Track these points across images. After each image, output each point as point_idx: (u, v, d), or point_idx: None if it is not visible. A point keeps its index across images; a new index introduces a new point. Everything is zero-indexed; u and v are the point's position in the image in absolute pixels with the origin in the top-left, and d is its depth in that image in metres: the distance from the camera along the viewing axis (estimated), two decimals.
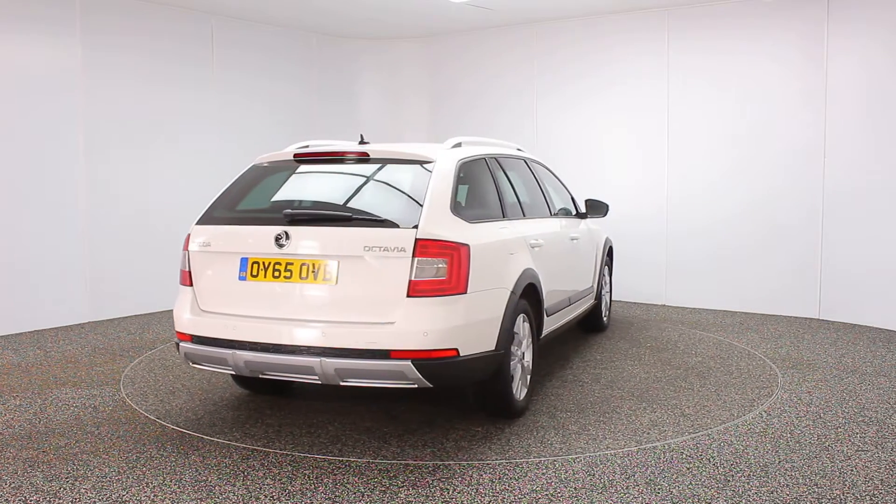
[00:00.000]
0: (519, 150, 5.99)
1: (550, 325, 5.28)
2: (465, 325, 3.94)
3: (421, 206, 4.01)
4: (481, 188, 4.86)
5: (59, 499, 3.48)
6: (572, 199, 6.53)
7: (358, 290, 3.92)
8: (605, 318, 7.18)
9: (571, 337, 6.86)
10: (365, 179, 4.39)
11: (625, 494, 3.52)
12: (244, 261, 4.13)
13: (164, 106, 8.14)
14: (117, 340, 6.76)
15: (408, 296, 3.84)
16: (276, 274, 4.04)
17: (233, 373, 4.27)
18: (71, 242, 7.44)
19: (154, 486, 3.60)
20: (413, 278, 3.84)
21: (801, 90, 7.63)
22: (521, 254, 4.68)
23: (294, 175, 4.59)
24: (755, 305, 8.07)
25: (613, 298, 8.50)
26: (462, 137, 4.95)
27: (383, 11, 8.60)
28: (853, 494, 3.51)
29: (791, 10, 7.64)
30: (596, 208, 6.51)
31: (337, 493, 3.54)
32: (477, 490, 3.57)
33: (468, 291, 3.96)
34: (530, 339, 4.74)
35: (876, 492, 3.53)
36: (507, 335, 4.26)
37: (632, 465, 3.87)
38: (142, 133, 7.96)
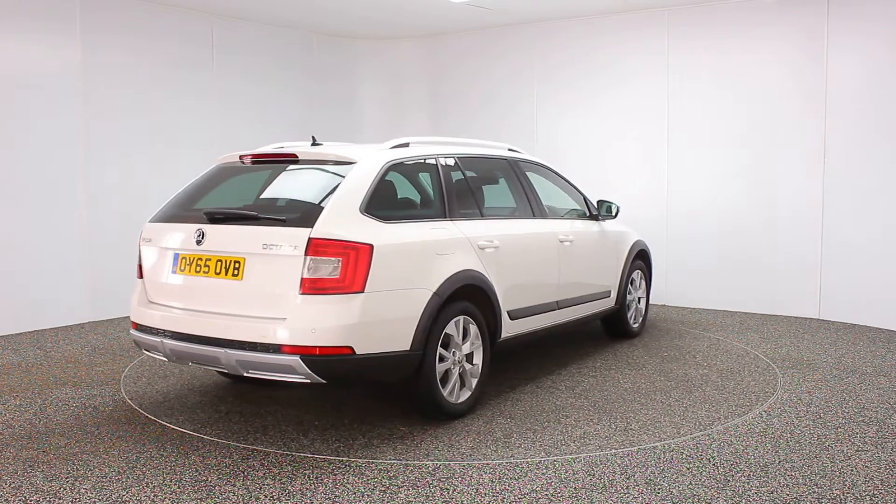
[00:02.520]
0: (511, 150, 5.91)
1: (519, 328, 5.17)
2: (362, 323, 3.98)
3: (326, 205, 4.14)
4: (417, 188, 4.98)
5: (59, 499, 3.48)
6: (586, 200, 6.36)
7: (259, 287, 4.09)
8: (634, 325, 6.85)
9: (588, 342, 6.72)
10: (292, 180, 4.63)
11: (625, 494, 3.52)
12: (176, 256, 4.43)
13: (163, 105, 8.14)
14: (117, 340, 6.76)
15: (300, 293, 3.95)
16: (197, 269, 4.30)
17: (164, 359, 4.50)
18: (71, 242, 7.43)
19: (154, 486, 3.61)
20: (304, 276, 3.94)
21: (802, 89, 7.63)
22: (460, 255, 4.61)
23: (237, 176, 4.85)
24: (755, 305, 8.07)
25: None
26: (414, 137, 4.99)
27: (382, 10, 8.60)
28: (853, 494, 3.51)
29: (791, 8, 7.64)
30: (606, 210, 6.39)
31: (337, 493, 3.54)
32: (477, 490, 3.57)
33: (366, 291, 3.99)
34: (480, 342, 4.72)
35: (876, 492, 3.53)
36: (424, 336, 4.25)
37: (632, 465, 3.88)
38: (142, 132, 7.95)
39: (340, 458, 3.96)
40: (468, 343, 4.65)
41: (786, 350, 6.39)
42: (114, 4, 7.68)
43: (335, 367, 3.97)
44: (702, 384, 5.35)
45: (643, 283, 7.06)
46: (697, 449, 4.09)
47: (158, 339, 4.36)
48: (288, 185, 4.66)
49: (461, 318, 4.56)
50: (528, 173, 5.84)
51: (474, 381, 4.70)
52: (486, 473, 3.77)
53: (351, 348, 3.95)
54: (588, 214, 6.32)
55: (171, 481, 3.67)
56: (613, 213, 6.47)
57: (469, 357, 4.68)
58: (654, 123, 8.49)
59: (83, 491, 3.56)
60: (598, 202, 6.43)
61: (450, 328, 4.47)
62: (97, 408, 4.84)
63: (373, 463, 3.90)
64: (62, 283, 7.38)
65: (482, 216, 5.07)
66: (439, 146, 5.09)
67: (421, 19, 9.11)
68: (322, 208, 4.08)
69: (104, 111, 7.63)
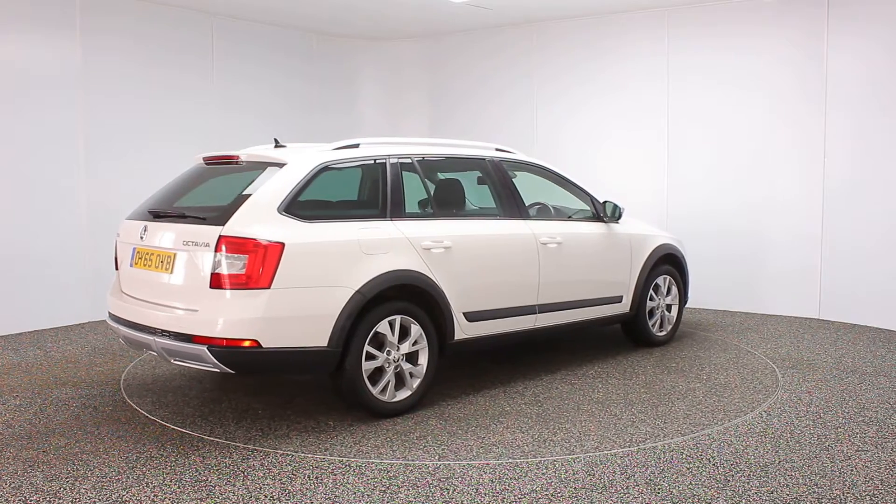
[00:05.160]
0: (500, 150, 5.78)
1: (481, 330, 5.09)
2: (267, 318, 4.14)
3: (242, 205, 4.34)
4: (355, 189, 5.16)
5: (59, 499, 3.48)
6: (593, 201, 6.11)
7: (182, 280, 4.39)
8: (659, 333, 6.50)
9: (602, 347, 6.47)
10: (231, 181, 4.83)
11: (625, 494, 3.52)
12: (133, 250, 4.78)
13: (163, 106, 8.13)
14: (117, 340, 6.75)
15: (210, 287, 4.20)
16: (144, 263, 4.66)
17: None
18: (71, 242, 7.43)
19: (154, 486, 3.61)
20: (213, 271, 4.19)
21: (802, 89, 7.62)
22: (394, 255, 4.61)
23: (198, 176, 5.08)
24: (755, 305, 8.07)
25: None
26: (369, 138, 5.06)
27: (382, 9, 8.59)
28: (853, 494, 3.51)
29: (791, 8, 7.64)
30: (610, 211, 6.16)
31: (337, 493, 3.54)
32: (477, 490, 3.57)
33: (274, 287, 4.15)
34: (426, 342, 4.72)
35: (876, 492, 3.54)
36: (344, 333, 4.33)
37: (632, 465, 3.88)
38: (142, 133, 7.94)
39: (341, 458, 3.96)
40: (407, 343, 4.65)
41: (786, 350, 6.38)
42: (114, 6, 7.67)
43: (241, 358, 4.19)
44: (678, 399, 5.00)
45: (673, 288, 6.64)
46: (697, 449, 4.09)
47: (116, 326, 4.77)
48: (225, 186, 4.84)
49: (397, 317, 4.60)
50: (520, 173, 5.72)
51: (416, 382, 4.71)
52: (486, 473, 3.77)
53: (257, 341, 4.13)
54: (595, 216, 6.11)
55: (171, 481, 3.67)
56: (615, 215, 6.18)
57: (413, 357, 4.70)
58: (654, 123, 8.48)
59: (83, 491, 3.56)
60: (604, 203, 6.18)
61: (382, 327, 4.52)
62: (97, 408, 4.85)
63: (373, 463, 3.91)
64: (62, 283, 7.38)
65: (434, 217, 5.04)
66: (394, 147, 5.07)
67: (421, 19, 9.11)
68: (238, 208, 4.30)
69: (104, 112, 7.63)
